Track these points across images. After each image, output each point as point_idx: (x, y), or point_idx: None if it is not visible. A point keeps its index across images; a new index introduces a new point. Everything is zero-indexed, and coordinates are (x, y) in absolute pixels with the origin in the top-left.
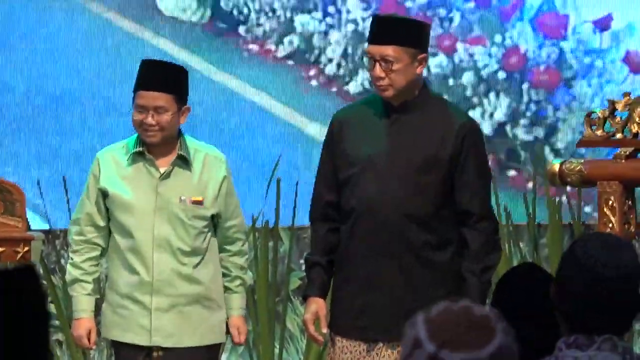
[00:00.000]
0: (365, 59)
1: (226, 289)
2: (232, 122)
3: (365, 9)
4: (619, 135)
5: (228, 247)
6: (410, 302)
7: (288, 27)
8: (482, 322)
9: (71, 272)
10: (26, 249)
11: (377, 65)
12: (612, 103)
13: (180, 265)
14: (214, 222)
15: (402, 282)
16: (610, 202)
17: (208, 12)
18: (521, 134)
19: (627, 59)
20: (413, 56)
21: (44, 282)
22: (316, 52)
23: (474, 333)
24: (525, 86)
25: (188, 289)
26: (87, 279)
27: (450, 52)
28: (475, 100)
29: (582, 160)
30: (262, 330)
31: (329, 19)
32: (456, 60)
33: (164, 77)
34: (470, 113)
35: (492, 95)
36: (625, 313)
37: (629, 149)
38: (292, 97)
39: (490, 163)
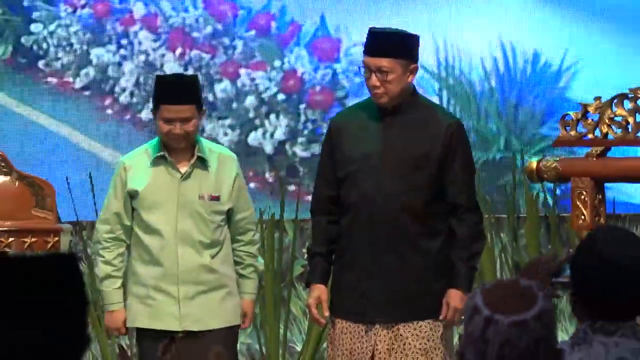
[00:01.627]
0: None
1: (240, 275)
2: (35, 152)
3: (155, 40)
4: (590, 136)
5: (240, 238)
6: (405, 288)
7: (84, 60)
8: (526, 291)
9: (103, 269)
10: (56, 239)
11: (373, 75)
12: (585, 106)
13: (201, 257)
14: (228, 216)
15: (398, 270)
16: (583, 197)
17: (10, 48)
18: (299, 151)
19: None
20: (405, 67)
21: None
22: (111, 82)
23: (520, 299)
24: (302, 106)
25: (209, 278)
26: (117, 274)
27: (233, 77)
28: (257, 121)
29: (558, 159)
30: (268, 313)
31: (122, 51)
32: (239, 85)
33: (184, 90)
34: (253, 134)
35: (272, 116)
36: (636, 297)
37: (600, 148)
38: (89, 125)
39: (271, 180)
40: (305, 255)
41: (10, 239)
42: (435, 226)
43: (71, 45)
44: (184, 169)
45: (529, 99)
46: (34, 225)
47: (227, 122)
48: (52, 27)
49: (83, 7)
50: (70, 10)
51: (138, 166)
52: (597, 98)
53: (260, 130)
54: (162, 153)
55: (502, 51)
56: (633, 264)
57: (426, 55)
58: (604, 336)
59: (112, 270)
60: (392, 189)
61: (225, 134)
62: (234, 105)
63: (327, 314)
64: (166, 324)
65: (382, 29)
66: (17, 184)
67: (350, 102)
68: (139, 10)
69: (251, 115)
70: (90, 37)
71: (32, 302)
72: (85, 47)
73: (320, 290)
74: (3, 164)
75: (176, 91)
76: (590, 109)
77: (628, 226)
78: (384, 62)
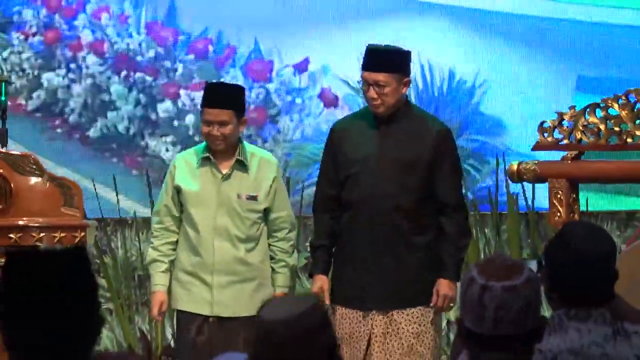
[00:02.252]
0: (361, 83)
1: (272, 269)
2: None
3: (101, 64)
4: (565, 141)
5: (275, 234)
6: (400, 288)
7: (36, 84)
8: (514, 263)
9: (151, 254)
10: (82, 234)
11: (372, 88)
12: (561, 115)
13: (236, 250)
14: (265, 214)
15: (394, 271)
16: (559, 196)
17: None
18: None
19: (322, 95)
20: (399, 80)
21: (97, 260)
22: (60, 104)
23: (509, 269)
24: None
25: (242, 269)
26: (163, 260)
27: (174, 97)
28: (197, 138)
29: (536, 162)
30: None
31: (71, 75)
32: (180, 104)
33: (225, 96)
34: (193, 150)
35: None
36: (606, 286)
37: (574, 152)
38: (40, 144)
39: None
40: (309, 249)
41: (42, 234)
42: (427, 223)
43: (23, 70)
44: (225, 170)
45: (446, 113)
46: (63, 221)
47: (169, 139)
48: (5, 54)
49: (34, 35)
50: (22, 37)
51: (186, 165)
52: (572, 107)
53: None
54: (207, 155)
55: (420, 69)
56: (603, 257)
57: (351, 73)
58: (578, 322)
59: (158, 255)
60: (387, 190)
61: (167, 150)
62: (175, 123)
63: (328, 302)
64: (200, 308)
65: (379, 46)
66: (47, 184)
67: (282, 119)
68: (86, 36)
69: (191, 132)
70: (41, 62)
71: (44, 294)
72: (36, 72)
73: (322, 281)
74: (35, 167)
75: (216, 96)
76: (566, 117)
77: (600, 223)
78: (381, 77)
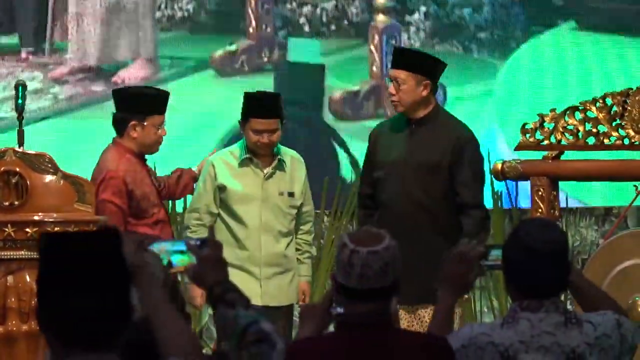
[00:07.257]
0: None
1: (297, 260)
2: None
3: None
4: (546, 142)
5: (302, 227)
6: (424, 275)
7: None
8: (377, 234)
9: None
10: (94, 229)
11: (391, 84)
12: (542, 117)
13: (279, 244)
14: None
15: (417, 260)
16: (540, 193)
17: None
18: None
19: None
20: (419, 81)
21: None
22: None
23: (373, 238)
24: None
25: (283, 262)
26: None
27: None
28: None
29: (519, 161)
30: None
31: None
32: None
33: (271, 106)
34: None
35: None
36: (560, 278)
37: (554, 152)
38: None
39: None
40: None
41: (56, 229)
42: (448, 223)
43: None
44: (266, 169)
45: None
46: (76, 217)
47: None
48: None
49: None
50: None
51: (226, 165)
52: (553, 109)
53: None
54: (249, 156)
55: None
56: (552, 251)
57: None
58: (530, 313)
59: None
60: (412, 191)
61: None
62: None
63: None
64: (250, 299)
65: (405, 47)
66: (61, 182)
67: None
68: None
69: None
70: None
71: (85, 272)
72: None
73: None
74: (50, 165)
75: (265, 106)
76: (547, 119)
77: (579, 218)
78: (399, 74)
